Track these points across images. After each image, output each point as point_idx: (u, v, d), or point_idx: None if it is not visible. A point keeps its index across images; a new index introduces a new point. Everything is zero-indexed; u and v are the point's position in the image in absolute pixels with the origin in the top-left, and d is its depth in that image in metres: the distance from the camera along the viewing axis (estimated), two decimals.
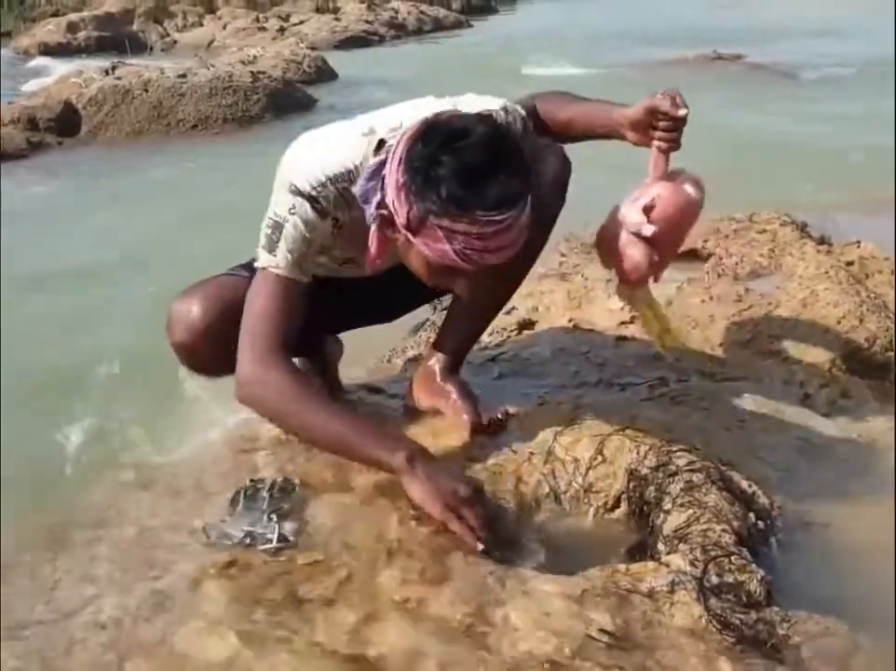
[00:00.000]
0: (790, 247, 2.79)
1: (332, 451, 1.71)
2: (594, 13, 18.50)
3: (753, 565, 1.48)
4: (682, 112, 1.69)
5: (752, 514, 1.64)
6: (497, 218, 1.45)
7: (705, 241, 2.88)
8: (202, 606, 1.41)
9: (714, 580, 1.43)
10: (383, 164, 1.55)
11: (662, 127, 1.71)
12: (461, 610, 1.37)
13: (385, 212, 1.54)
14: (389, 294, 1.95)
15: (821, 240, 2.94)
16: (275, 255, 1.65)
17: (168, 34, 14.01)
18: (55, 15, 14.58)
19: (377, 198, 1.55)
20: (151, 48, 13.24)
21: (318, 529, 1.60)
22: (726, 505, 1.60)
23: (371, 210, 1.56)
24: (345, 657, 1.30)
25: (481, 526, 1.55)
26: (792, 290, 2.49)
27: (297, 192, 1.62)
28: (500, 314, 2.55)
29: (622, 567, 1.46)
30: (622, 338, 2.35)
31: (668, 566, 1.44)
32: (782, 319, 2.38)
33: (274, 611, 1.39)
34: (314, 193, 1.62)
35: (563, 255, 2.95)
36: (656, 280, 1.88)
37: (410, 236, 1.51)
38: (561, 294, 2.63)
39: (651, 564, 1.46)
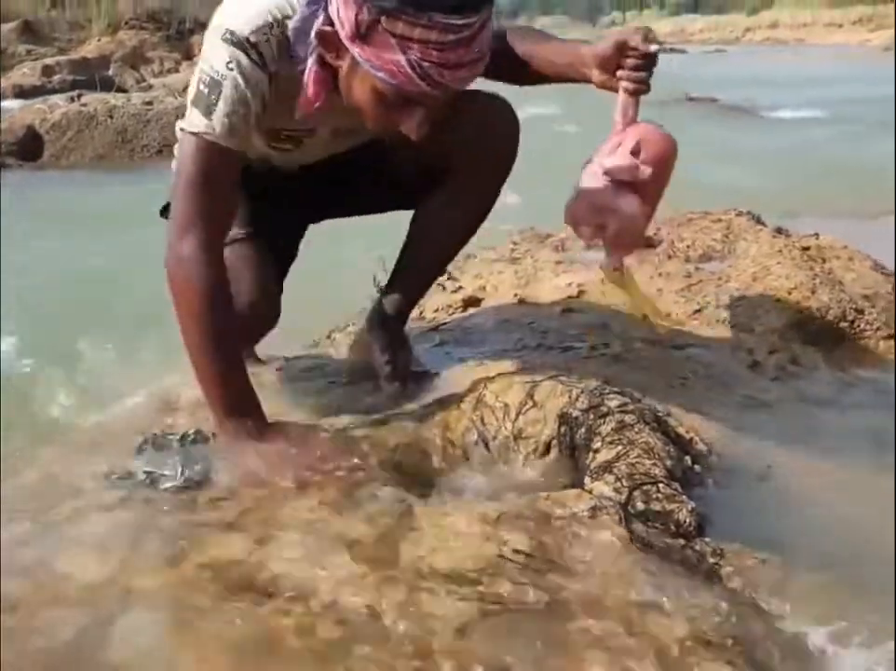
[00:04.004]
0: (744, 233, 2.74)
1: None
2: None
3: (684, 496, 1.39)
4: (653, 47, 1.56)
5: (688, 458, 1.56)
6: (458, 23, 1.30)
7: (658, 230, 2.83)
8: (87, 532, 1.31)
9: (640, 506, 1.34)
10: None
11: (631, 65, 1.55)
12: (367, 531, 1.27)
13: (327, 28, 1.38)
14: (347, 182, 1.85)
15: (778, 230, 2.89)
16: (211, 119, 1.46)
17: (143, 80, 14.07)
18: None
19: (317, 23, 1.39)
20: (126, 92, 13.27)
21: (227, 474, 1.50)
22: (659, 444, 1.51)
23: (309, 39, 1.41)
24: (235, 576, 1.19)
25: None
26: (743, 266, 2.44)
27: (234, 41, 1.43)
28: (446, 294, 2.52)
29: (543, 494, 1.37)
30: (568, 310, 2.27)
31: (591, 492, 1.36)
32: (732, 290, 2.31)
33: (165, 536, 1.29)
34: (254, 38, 1.44)
35: (514, 244, 2.89)
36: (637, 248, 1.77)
37: (358, 50, 1.35)
38: (509, 275, 2.56)
39: (573, 491, 1.38)
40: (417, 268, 1.90)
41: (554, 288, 2.42)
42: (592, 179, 1.57)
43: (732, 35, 46.50)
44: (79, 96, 7.10)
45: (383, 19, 1.31)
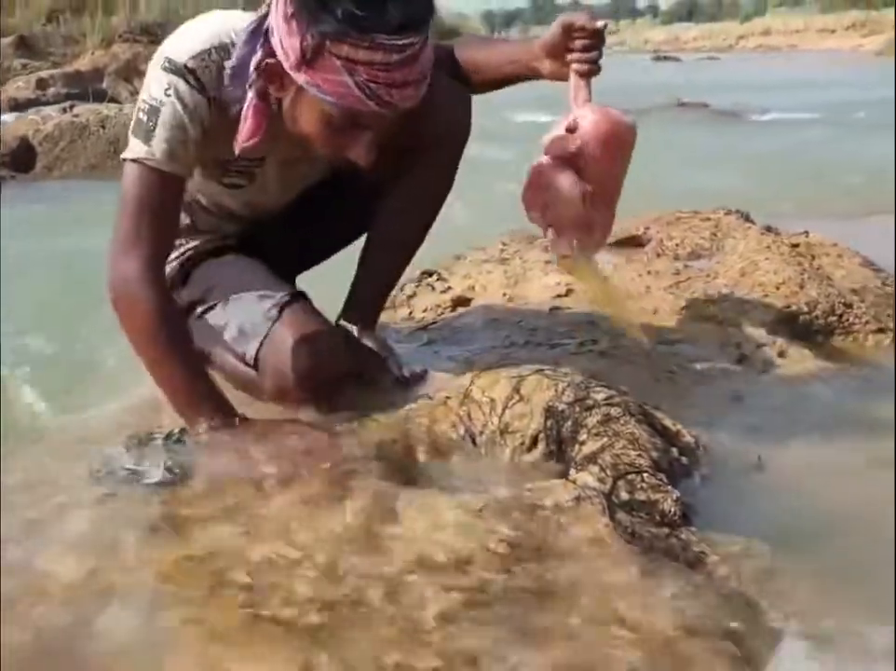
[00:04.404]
0: (733, 231, 2.74)
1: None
2: None
3: (669, 486, 1.38)
4: (599, 24, 1.55)
5: (674, 450, 1.55)
6: (401, 42, 1.33)
7: (646, 229, 2.83)
8: (70, 529, 1.30)
9: (625, 496, 1.33)
10: (262, 20, 1.43)
11: (579, 46, 1.55)
12: (351, 523, 1.27)
13: (270, 60, 1.40)
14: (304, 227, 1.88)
15: (767, 228, 2.89)
16: (150, 145, 1.48)
17: (137, 92, 14.08)
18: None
19: (256, 57, 1.42)
20: (120, 105, 13.29)
21: (211, 472, 1.50)
22: (644, 435, 1.50)
23: (249, 71, 1.43)
24: (217, 568, 1.19)
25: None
26: (731, 262, 2.44)
27: (173, 68, 1.46)
28: (436, 294, 2.51)
29: (527, 484, 1.37)
30: (556, 308, 2.27)
31: (575, 482, 1.35)
32: (720, 286, 2.31)
33: (147, 531, 1.29)
34: (192, 65, 1.46)
35: (504, 245, 2.88)
36: (600, 237, 1.77)
37: (305, 77, 1.37)
38: (498, 275, 2.56)
39: (557, 481, 1.37)
40: (384, 264, 1.89)
41: (543, 287, 2.42)
42: (536, 162, 1.55)
43: (725, 43, 46.76)
44: (72, 107, 7.11)
45: (328, 43, 1.33)
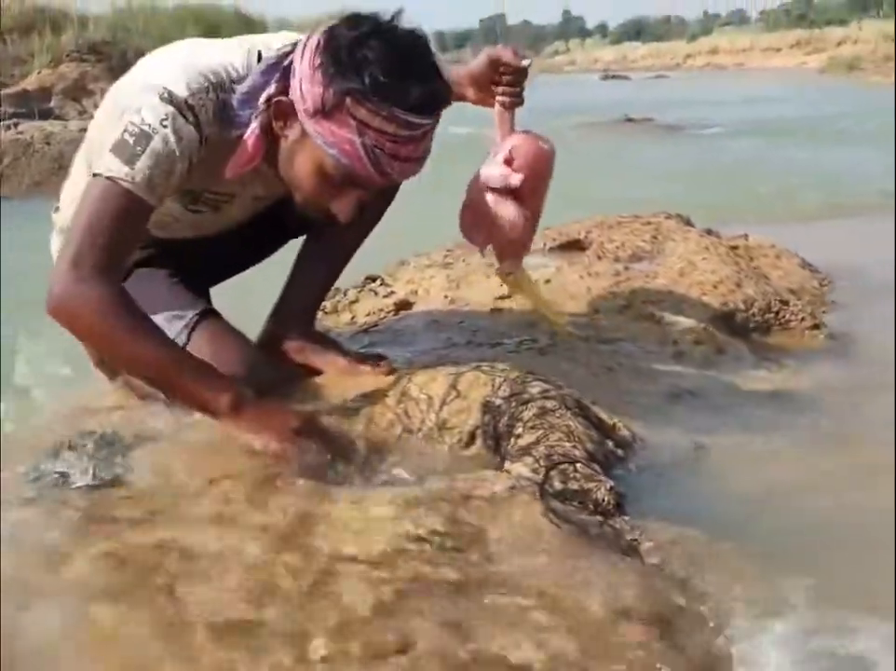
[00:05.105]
0: (673, 234, 2.77)
1: (151, 380, 1.54)
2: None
3: (602, 476, 1.39)
4: (525, 62, 1.64)
5: (610, 442, 1.56)
6: (415, 121, 1.36)
7: (588, 233, 2.85)
8: None
9: (558, 486, 1.33)
10: (283, 57, 1.44)
11: (505, 81, 1.65)
12: (282, 519, 1.25)
13: (283, 98, 1.41)
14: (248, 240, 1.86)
15: (708, 231, 2.93)
16: (132, 168, 1.42)
17: (85, 111, 13.95)
18: None
19: (269, 91, 1.42)
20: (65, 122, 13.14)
21: (141, 473, 1.47)
22: (580, 427, 1.51)
23: (259, 103, 1.43)
24: (142, 566, 1.16)
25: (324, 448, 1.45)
26: (670, 263, 2.46)
27: (172, 100, 1.43)
28: (378, 298, 2.51)
29: (461, 476, 1.36)
30: (497, 310, 2.27)
31: (509, 473, 1.35)
32: (658, 286, 2.34)
33: (72, 532, 1.26)
34: (192, 101, 1.44)
35: (448, 250, 2.89)
36: (526, 252, 1.84)
37: (315, 125, 1.38)
38: (441, 279, 2.56)
39: (491, 472, 1.37)
40: (320, 268, 1.87)
41: (485, 290, 2.42)
42: (476, 189, 1.66)
43: (673, 62, 47.50)
44: (16, 125, 7.01)
45: (348, 101, 1.35)
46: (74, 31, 14.83)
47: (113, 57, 15.53)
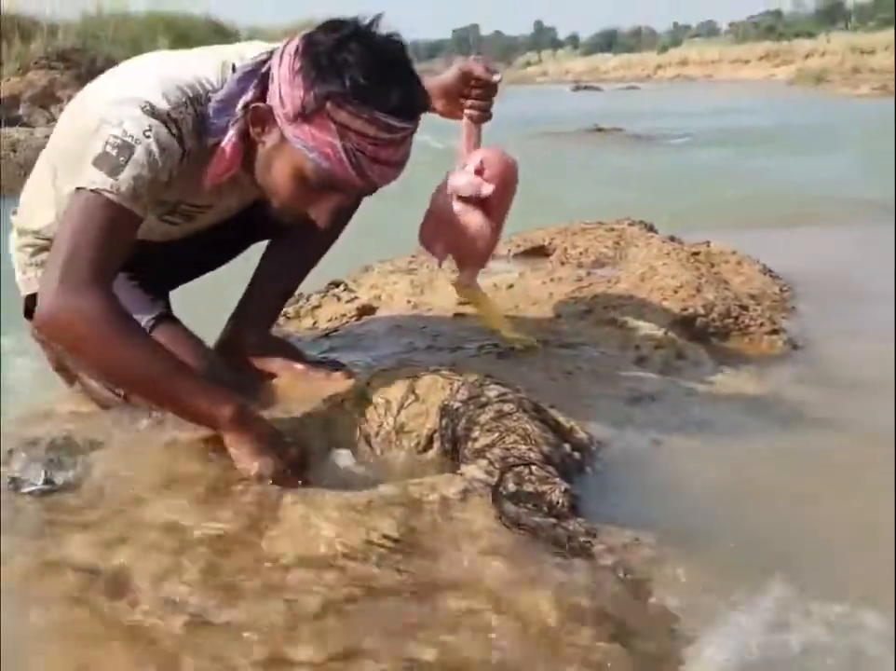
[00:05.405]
0: (636, 240, 2.78)
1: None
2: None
3: (557, 478, 1.39)
4: (495, 77, 1.66)
5: (567, 446, 1.56)
6: (396, 124, 1.36)
7: (552, 239, 2.86)
8: None
9: (512, 488, 1.33)
10: (260, 65, 1.43)
11: (475, 95, 1.66)
12: (232, 524, 1.24)
13: (261, 104, 1.40)
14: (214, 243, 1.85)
15: (671, 238, 2.95)
16: (116, 179, 1.40)
17: (53, 118, 13.83)
18: None
19: (246, 97, 1.42)
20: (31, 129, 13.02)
21: (93, 478, 1.45)
22: (536, 430, 1.51)
23: (236, 110, 1.42)
24: (87, 574, 1.15)
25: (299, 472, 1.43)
26: (632, 268, 2.47)
27: (155, 113, 1.42)
28: (341, 303, 2.50)
29: (415, 480, 1.36)
30: (460, 315, 2.27)
31: (463, 475, 1.34)
32: (620, 291, 2.34)
33: (19, 537, 1.25)
34: (174, 115, 1.43)
35: (413, 257, 2.89)
36: (486, 264, 1.86)
37: (294, 130, 1.37)
38: (404, 284, 2.56)
39: (445, 476, 1.36)
40: (283, 273, 1.88)
41: (449, 295, 2.41)
42: (441, 200, 1.69)
43: (644, 73, 47.89)
44: None
45: (328, 104, 1.35)
46: (43, 39, 14.71)
47: (82, 64, 15.43)
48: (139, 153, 1.41)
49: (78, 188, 1.43)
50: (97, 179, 1.41)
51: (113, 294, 1.44)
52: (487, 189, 1.64)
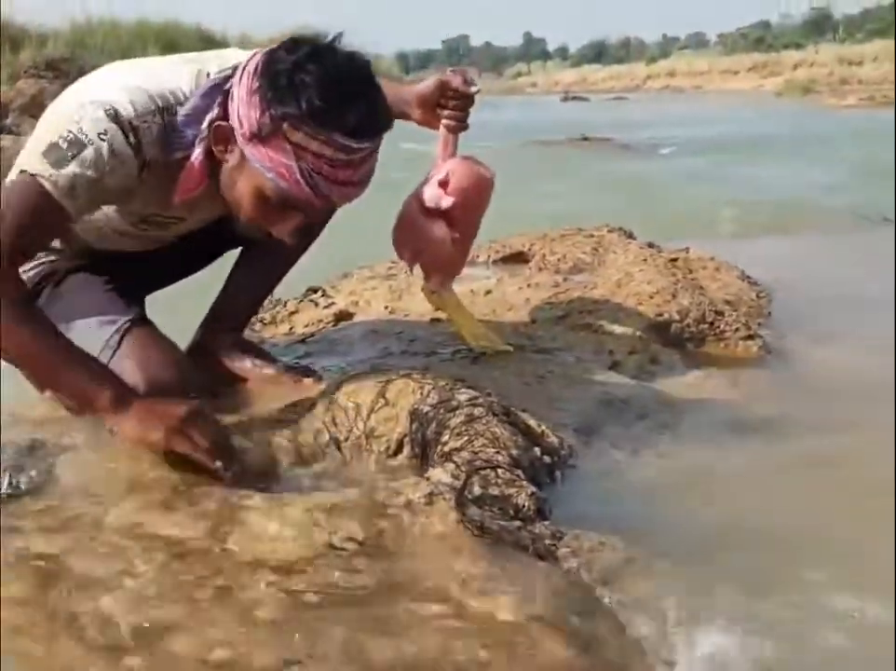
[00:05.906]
0: (614, 247, 2.79)
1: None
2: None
3: (524, 481, 1.38)
4: (473, 89, 1.68)
5: (537, 449, 1.55)
6: (353, 145, 1.36)
7: (531, 245, 2.86)
8: None
9: (478, 491, 1.32)
10: (225, 80, 1.43)
11: (452, 105, 1.68)
12: (192, 528, 1.23)
13: (223, 123, 1.40)
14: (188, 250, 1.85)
15: (649, 245, 2.95)
16: (58, 172, 1.40)
17: None
18: None
19: (211, 115, 1.41)
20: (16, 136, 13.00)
21: (58, 483, 1.44)
22: (505, 434, 1.50)
23: (202, 127, 1.42)
24: (49, 572, 1.14)
25: (211, 443, 1.41)
26: (608, 274, 2.48)
27: (116, 119, 1.41)
28: (318, 309, 2.49)
29: (381, 483, 1.35)
30: (436, 320, 2.27)
31: (429, 479, 1.34)
32: (596, 296, 2.35)
33: None
34: (136, 123, 1.43)
35: (393, 263, 2.88)
36: (457, 273, 1.88)
37: (252, 150, 1.37)
38: (382, 290, 2.55)
39: (411, 479, 1.36)
40: (256, 277, 1.88)
41: (426, 301, 2.42)
42: (410, 207, 1.73)
43: (633, 84, 48.05)
44: None
45: (284, 125, 1.34)
46: (32, 48, 14.72)
47: (71, 73, 15.40)
48: (88, 152, 1.41)
49: (21, 170, 1.44)
50: (38, 166, 1.42)
51: (20, 278, 1.48)
52: (447, 202, 1.67)
